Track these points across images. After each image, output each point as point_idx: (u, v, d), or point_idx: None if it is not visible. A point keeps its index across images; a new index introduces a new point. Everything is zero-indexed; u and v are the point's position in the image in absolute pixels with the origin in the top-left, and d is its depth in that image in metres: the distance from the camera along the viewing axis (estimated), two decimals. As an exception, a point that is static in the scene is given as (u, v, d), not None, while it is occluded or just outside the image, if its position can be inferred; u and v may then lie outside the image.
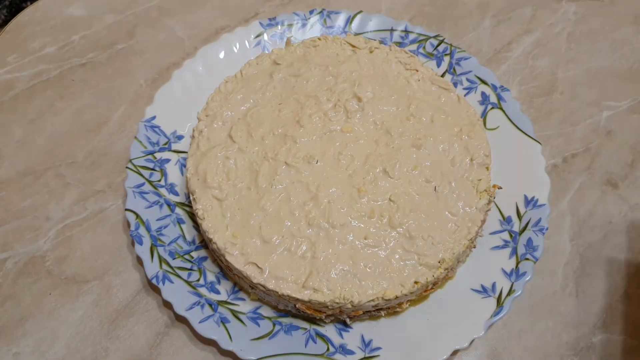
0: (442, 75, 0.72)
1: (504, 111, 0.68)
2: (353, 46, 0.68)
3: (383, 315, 0.58)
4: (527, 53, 0.79)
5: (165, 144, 0.67)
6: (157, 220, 0.62)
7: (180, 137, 0.68)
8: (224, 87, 0.65)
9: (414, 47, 0.74)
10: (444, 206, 0.57)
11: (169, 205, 0.64)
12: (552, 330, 0.60)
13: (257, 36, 0.74)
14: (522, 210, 0.62)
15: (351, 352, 0.56)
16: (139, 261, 0.62)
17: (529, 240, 0.60)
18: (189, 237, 0.62)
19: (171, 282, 0.58)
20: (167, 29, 0.82)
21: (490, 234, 0.62)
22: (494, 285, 0.58)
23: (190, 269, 0.60)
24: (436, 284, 0.58)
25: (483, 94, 0.70)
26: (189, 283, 0.59)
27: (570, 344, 0.59)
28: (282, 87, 0.65)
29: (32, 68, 0.78)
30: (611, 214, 0.67)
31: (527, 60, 0.79)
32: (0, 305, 0.62)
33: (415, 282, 0.54)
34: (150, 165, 0.65)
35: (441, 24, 0.82)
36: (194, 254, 0.62)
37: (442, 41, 0.73)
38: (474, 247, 0.61)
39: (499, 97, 0.69)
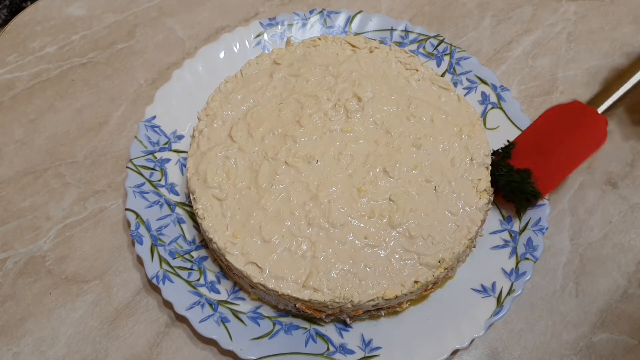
0: (442, 75, 0.72)
1: (504, 111, 0.68)
2: (353, 46, 0.68)
3: (383, 314, 0.58)
4: (527, 53, 0.79)
5: (166, 143, 0.67)
6: (157, 219, 0.62)
7: (180, 137, 0.68)
8: (224, 87, 0.65)
9: (414, 46, 0.74)
10: (444, 206, 0.57)
11: (169, 205, 0.64)
12: (552, 330, 0.60)
13: (257, 36, 0.74)
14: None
15: (351, 352, 0.56)
16: (139, 261, 0.62)
17: (529, 239, 0.60)
18: (189, 237, 0.62)
19: (171, 281, 0.58)
20: (167, 29, 0.82)
21: (490, 233, 0.62)
22: (494, 284, 0.58)
23: (191, 269, 0.60)
24: (436, 284, 0.58)
25: (483, 93, 0.70)
26: (189, 283, 0.59)
27: (570, 343, 0.59)
28: (282, 86, 0.65)
29: (32, 68, 0.78)
30: (611, 214, 0.67)
31: (527, 60, 0.79)
32: (0, 305, 0.62)
33: (415, 282, 0.54)
34: (151, 165, 0.66)
35: (441, 24, 0.82)
36: (194, 254, 0.62)
37: (442, 41, 0.73)
38: (474, 247, 0.61)
39: (499, 97, 0.69)
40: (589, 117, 0.65)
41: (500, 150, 0.64)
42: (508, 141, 0.65)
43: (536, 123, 0.66)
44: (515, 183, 0.59)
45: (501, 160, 0.62)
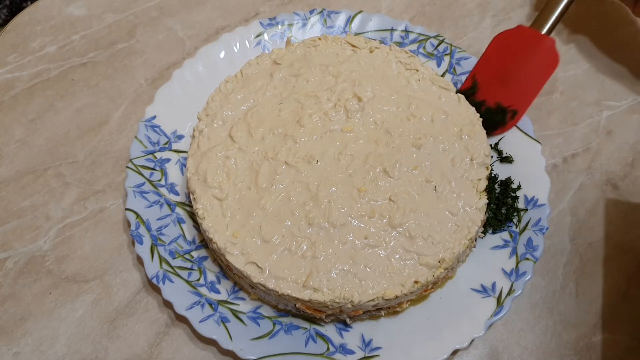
0: (443, 75, 0.72)
1: (504, 111, 0.68)
2: (353, 46, 0.68)
3: (383, 314, 0.58)
4: (527, 53, 0.79)
5: (166, 143, 0.67)
6: (158, 219, 0.62)
7: (180, 137, 0.68)
8: (224, 87, 0.65)
9: (414, 46, 0.74)
10: (444, 206, 0.57)
11: (169, 204, 0.64)
12: (552, 330, 0.60)
13: (258, 36, 0.74)
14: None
15: (351, 352, 0.56)
16: (139, 261, 0.62)
17: (529, 240, 0.60)
18: (189, 237, 0.62)
19: (171, 281, 0.58)
20: (167, 28, 0.82)
21: (490, 233, 0.62)
22: (494, 285, 0.58)
23: (191, 269, 0.60)
24: (436, 284, 0.58)
25: (483, 93, 0.70)
26: (189, 282, 0.59)
27: (570, 343, 0.59)
28: (282, 86, 0.65)
29: (32, 68, 0.78)
30: (611, 214, 0.67)
31: (527, 60, 0.78)
32: (1, 305, 0.62)
33: (415, 282, 0.54)
34: (151, 164, 0.66)
35: (441, 24, 0.82)
36: (194, 254, 0.62)
37: (442, 41, 0.73)
38: (474, 247, 0.61)
39: (499, 97, 0.69)
40: (537, 41, 0.67)
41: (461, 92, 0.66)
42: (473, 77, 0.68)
43: (487, 53, 0.69)
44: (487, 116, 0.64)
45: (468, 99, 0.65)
